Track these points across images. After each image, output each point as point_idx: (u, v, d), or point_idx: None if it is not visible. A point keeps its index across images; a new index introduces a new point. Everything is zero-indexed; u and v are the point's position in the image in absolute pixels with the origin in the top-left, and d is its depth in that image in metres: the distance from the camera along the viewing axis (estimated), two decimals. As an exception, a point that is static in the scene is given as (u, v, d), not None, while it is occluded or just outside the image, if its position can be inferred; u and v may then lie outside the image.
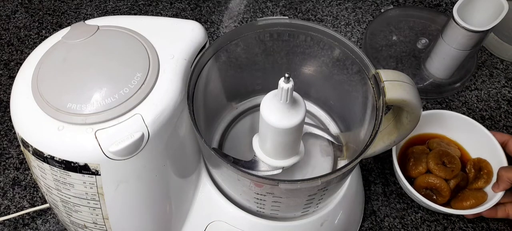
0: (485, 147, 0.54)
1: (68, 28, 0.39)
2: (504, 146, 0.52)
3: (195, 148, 0.42)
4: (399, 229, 0.53)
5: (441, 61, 0.61)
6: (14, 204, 0.53)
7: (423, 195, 0.50)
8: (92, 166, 0.33)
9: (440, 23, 0.67)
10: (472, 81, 0.66)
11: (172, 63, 0.37)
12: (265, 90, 0.37)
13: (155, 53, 0.37)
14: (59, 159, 0.33)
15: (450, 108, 0.63)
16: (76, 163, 0.33)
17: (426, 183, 0.51)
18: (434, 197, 0.52)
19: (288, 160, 0.40)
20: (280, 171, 0.41)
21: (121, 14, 0.74)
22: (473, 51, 0.58)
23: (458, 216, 0.54)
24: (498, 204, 0.49)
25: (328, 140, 0.47)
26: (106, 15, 0.70)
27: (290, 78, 0.32)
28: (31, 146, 0.34)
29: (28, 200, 0.54)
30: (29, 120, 0.34)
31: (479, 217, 0.53)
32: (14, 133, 0.59)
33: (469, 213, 0.49)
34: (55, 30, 0.71)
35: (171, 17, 0.72)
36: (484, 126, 0.54)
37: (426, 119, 0.56)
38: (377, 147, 0.45)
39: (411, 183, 0.52)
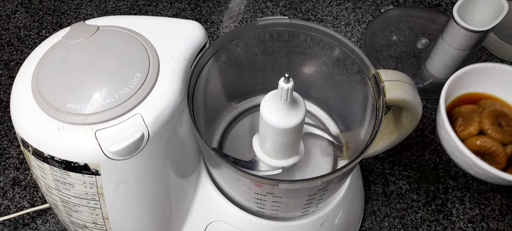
0: None
1: (68, 28, 0.39)
2: None
3: (195, 148, 0.42)
4: (399, 229, 0.53)
5: (441, 61, 0.61)
6: (14, 204, 0.53)
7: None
8: (92, 166, 0.33)
9: (440, 23, 0.67)
10: (472, 81, 0.66)
11: (172, 63, 0.37)
12: (265, 90, 0.37)
13: (155, 53, 0.37)
14: (59, 159, 0.33)
15: (450, 108, 0.63)
16: (76, 163, 0.33)
17: (478, 146, 0.44)
18: (487, 163, 0.43)
19: (288, 160, 0.40)
20: (280, 171, 0.41)
21: (121, 14, 0.74)
22: (473, 51, 0.58)
23: (458, 215, 0.54)
24: None
25: (328, 140, 0.47)
26: (106, 15, 0.70)
27: (290, 78, 0.32)
28: (31, 146, 0.34)
29: (28, 200, 0.54)
30: (29, 120, 0.34)
31: (479, 217, 0.53)
32: (14, 133, 0.59)
33: None
34: (55, 30, 0.71)
35: (171, 17, 0.72)
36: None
37: (476, 75, 0.49)
38: (377, 147, 0.45)
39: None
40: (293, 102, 0.35)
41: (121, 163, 0.33)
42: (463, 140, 0.45)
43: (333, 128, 0.49)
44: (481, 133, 0.45)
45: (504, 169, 0.44)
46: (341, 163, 0.46)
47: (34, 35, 0.71)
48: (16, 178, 0.56)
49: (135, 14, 0.74)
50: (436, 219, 0.54)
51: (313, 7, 0.75)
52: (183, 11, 0.74)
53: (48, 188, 0.37)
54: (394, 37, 0.69)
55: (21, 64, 0.37)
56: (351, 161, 0.34)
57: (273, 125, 0.35)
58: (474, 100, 0.49)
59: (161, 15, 0.73)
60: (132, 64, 0.36)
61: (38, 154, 0.33)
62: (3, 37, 0.70)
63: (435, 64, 0.62)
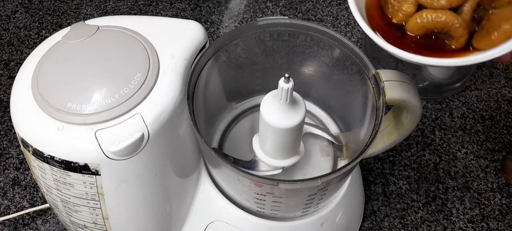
0: None
1: (68, 28, 0.39)
2: None
3: (195, 148, 0.42)
4: (399, 229, 0.53)
5: (441, 61, 0.61)
6: (14, 204, 0.53)
7: (424, 47, 0.31)
8: (92, 166, 0.33)
9: (440, 23, 0.67)
10: (472, 81, 0.66)
11: (172, 63, 0.37)
12: (265, 90, 0.37)
13: (155, 53, 0.37)
14: (59, 159, 0.33)
15: (450, 108, 0.63)
16: (76, 163, 0.33)
17: (421, 26, 0.32)
18: (446, 43, 0.32)
19: (288, 160, 0.40)
20: (280, 171, 0.41)
21: (121, 14, 0.74)
22: (473, 51, 0.58)
23: (458, 215, 0.53)
24: None
25: (328, 140, 0.47)
26: (106, 15, 0.70)
27: (290, 78, 0.32)
28: (31, 146, 0.33)
29: (28, 200, 0.54)
30: (29, 120, 0.34)
31: (479, 217, 0.53)
32: (14, 133, 0.59)
33: (508, 50, 0.28)
34: (55, 30, 0.71)
35: (171, 17, 0.72)
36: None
37: None
38: (377, 147, 0.45)
39: (397, 39, 0.32)
40: (293, 102, 0.35)
41: (121, 163, 0.33)
42: (403, 24, 0.33)
43: (333, 128, 0.49)
44: (422, 7, 0.32)
45: (468, 43, 0.32)
46: (341, 163, 0.46)
47: (34, 35, 0.71)
48: (16, 178, 0.56)
49: (135, 14, 0.74)
50: (436, 219, 0.54)
51: (313, 7, 0.75)
52: (183, 11, 0.74)
53: (48, 188, 0.37)
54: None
55: (21, 64, 0.37)
56: (351, 161, 0.34)
57: (273, 125, 0.35)
58: None
59: (161, 15, 0.73)
60: (132, 64, 0.36)
61: (38, 154, 0.33)
62: (3, 37, 0.70)
63: (435, 64, 0.62)
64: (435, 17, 0.31)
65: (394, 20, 0.33)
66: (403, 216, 0.54)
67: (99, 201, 0.36)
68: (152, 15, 0.74)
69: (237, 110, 0.50)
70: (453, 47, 0.32)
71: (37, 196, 0.54)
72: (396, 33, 0.32)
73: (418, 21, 0.32)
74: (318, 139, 0.47)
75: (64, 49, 0.37)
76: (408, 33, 0.32)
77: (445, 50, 0.31)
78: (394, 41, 0.32)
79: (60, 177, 0.34)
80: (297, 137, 0.38)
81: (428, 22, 0.31)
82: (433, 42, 0.32)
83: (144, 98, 0.34)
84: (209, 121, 0.47)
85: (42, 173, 0.35)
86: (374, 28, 0.33)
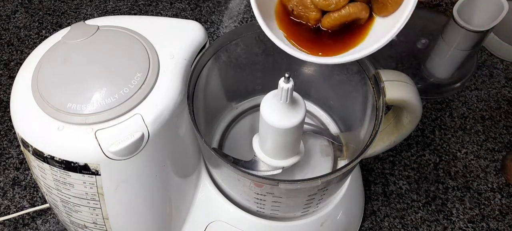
0: None
1: (68, 28, 0.39)
2: None
3: (195, 148, 0.42)
4: (399, 229, 0.53)
5: (441, 61, 0.61)
6: (14, 204, 0.53)
7: (341, 32, 0.34)
8: (92, 166, 0.33)
9: (440, 23, 0.67)
10: (472, 81, 0.66)
11: (172, 63, 0.37)
12: (265, 90, 0.37)
13: (155, 53, 0.37)
14: (59, 159, 0.33)
15: (450, 108, 0.63)
16: (76, 163, 0.33)
17: (333, 25, 0.35)
18: (356, 22, 0.35)
19: (288, 160, 0.40)
20: (280, 171, 0.41)
21: (121, 14, 0.74)
22: (473, 51, 0.58)
23: (458, 215, 0.53)
24: None
25: (328, 140, 0.47)
26: (106, 15, 0.70)
27: (290, 78, 0.32)
28: (31, 146, 0.33)
29: (28, 200, 0.54)
30: (29, 120, 0.34)
31: (479, 217, 0.53)
32: (14, 133, 0.59)
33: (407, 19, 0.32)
34: (55, 30, 0.71)
35: (171, 17, 0.72)
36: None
37: None
38: (377, 147, 0.45)
39: (317, 34, 0.35)
40: (293, 102, 0.35)
41: (121, 163, 0.33)
42: (322, 26, 0.35)
43: (333, 128, 0.49)
44: (325, 12, 0.34)
45: (371, 15, 0.35)
46: (341, 163, 0.46)
47: (34, 35, 0.71)
48: (16, 178, 0.56)
49: (135, 14, 0.74)
50: (436, 219, 0.54)
51: (313, 7, 0.75)
52: (183, 11, 0.74)
53: (48, 188, 0.37)
54: (394, 37, 0.69)
55: (21, 64, 0.37)
56: (351, 161, 0.34)
57: (273, 125, 0.35)
58: None
59: (161, 15, 0.73)
60: (132, 64, 0.36)
61: (38, 154, 0.33)
62: (3, 37, 0.70)
63: (435, 64, 0.62)
64: (342, 15, 0.34)
65: (309, 25, 0.36)
66: (403, 216, 0.54)
67: (99, 201, 0.36)
68: (152, 15, 0.74)
69: (237, 110, 0.50)
70: (362, 23, 0.35)
71: (37, 196, 0.54)
72: (314, 30, 0.36)
73: (328, 22, 0.35)
74: (318, 139, 0.47)
75: (64, 49, 0.37)
76: (330, 32, 0.36)
77: (358, 26, 0.35)
78: (314, 37, 0.36)
79: (60, 177, 0.34)
80: (297, 137, 0.38)
81: (338, 20, 0.35)
82: (347, 25, 0.35)
83: (144, 98, 0.34)
84: (209, 121, 0.47)
85: (42, 173, 0.35)
86: (292, 29, 0.36)
